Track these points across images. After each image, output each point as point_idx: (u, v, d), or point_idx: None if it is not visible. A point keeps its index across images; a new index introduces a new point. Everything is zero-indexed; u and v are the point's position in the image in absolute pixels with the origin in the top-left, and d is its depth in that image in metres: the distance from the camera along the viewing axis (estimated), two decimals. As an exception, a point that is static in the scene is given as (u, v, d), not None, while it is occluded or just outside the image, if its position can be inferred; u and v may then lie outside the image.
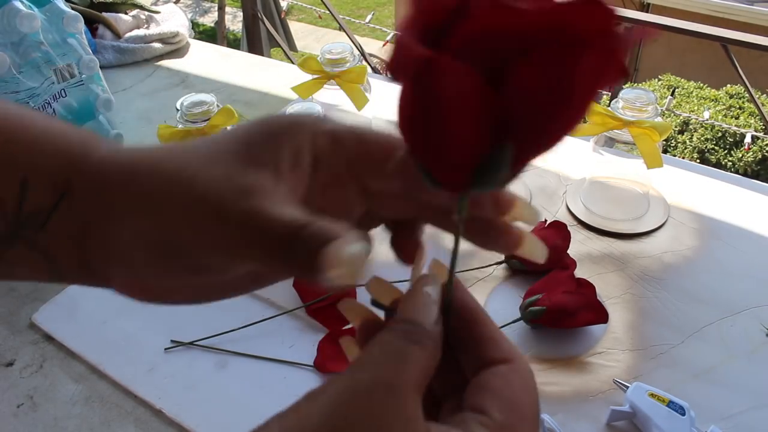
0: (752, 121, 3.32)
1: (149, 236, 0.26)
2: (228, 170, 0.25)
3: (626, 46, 0.19)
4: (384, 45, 4.10)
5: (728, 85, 3.61)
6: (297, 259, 0.23)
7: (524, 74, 0.19)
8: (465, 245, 0.27)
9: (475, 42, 0.18)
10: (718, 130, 3.29)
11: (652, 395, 0.53)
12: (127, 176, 0.26)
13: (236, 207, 0.24)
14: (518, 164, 0.21)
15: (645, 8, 5.04)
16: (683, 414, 0.51)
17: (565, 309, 0.60)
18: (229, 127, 0.71)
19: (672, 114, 3.12)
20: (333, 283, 0.22)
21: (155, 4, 1.34)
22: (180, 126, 0.72)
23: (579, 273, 0.65)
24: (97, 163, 0.27)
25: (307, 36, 8.20)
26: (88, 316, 0.67)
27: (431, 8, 0.19)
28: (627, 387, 0.54)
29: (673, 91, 3.60)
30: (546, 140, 0.21)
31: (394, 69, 0.20)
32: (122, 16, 1.20)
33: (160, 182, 0.26)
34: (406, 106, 0.21)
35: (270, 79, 1.12)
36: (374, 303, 0.29)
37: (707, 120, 2.91)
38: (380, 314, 0.29)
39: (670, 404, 0.52)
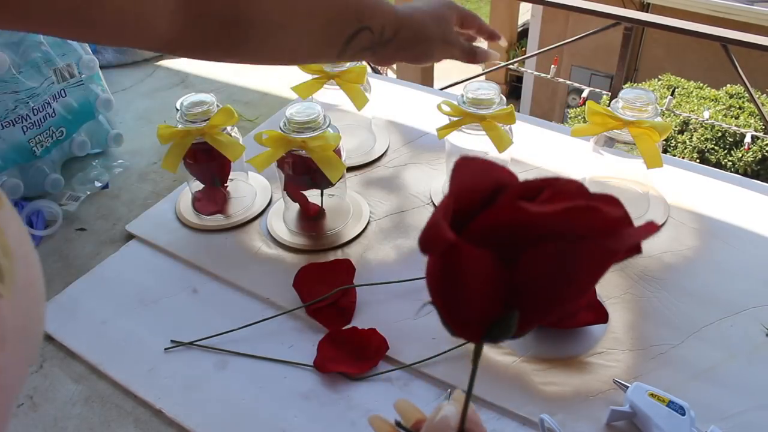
0: (752, 121, 3.32)
1: (425, 40, 0.62)
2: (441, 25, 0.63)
3: (625, 242, 0.22)
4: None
5: (728, 85, 3.61)
6: (475, 57, 0.67)
7: (532, 262, 0.22)
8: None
9: (493, 230, 0.22)
10: (718, 130, 3.29)
11: (652, 395, 0.53)
12: (406, 22, 0.59)
13: (449, 38, 0.63)
14: (524, 326, 0.25)
15: (645, 8, 5.04)
16: (683, 414, 0.51)
17: (565, 309, 0.60)
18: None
19: (672, 114, 3.12)
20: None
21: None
22: (180, 126, 0.72)
23: (579, 273, 0.65)
24: (398, 10, 0.58)
25: (307, 36, 8.18)
26: (88, 316, 0.67)
27: (468, 196, 0.23)
28: (627, 387, 0.54)
29: (673, 91, 3.60)
30: (549, 311, 0.24)
31: (426, 244, 0.23)
32: (122, 16, 1.20)
33: (417, 27, 0.60)
34: (433, 274, 0.25)
35: (270, 79, 1.12)
36: (398, 425, 0.35)
37: (707, 120, 2.91)
38: None
39: (670, 404, 0.52)
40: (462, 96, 0.73)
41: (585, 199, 0.21)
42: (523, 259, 0.22)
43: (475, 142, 0.73)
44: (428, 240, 0.22)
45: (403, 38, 0.59)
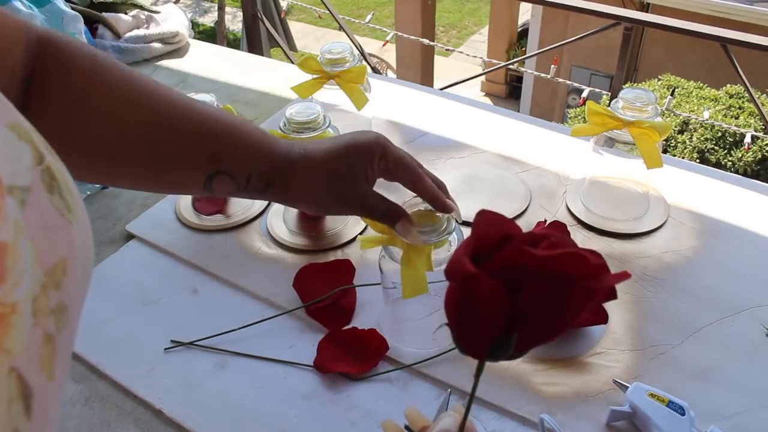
0: (752, 121, 3.32)
1: (309, 198, 0.53)
2: (347, 170, 0.52)
3: (603, 284, 0.28)
4: (384, 45, 4.09)
5: (728, 85, 3.61)
6: (388, 222, 0.54)
7: (530, 294, 0.28)
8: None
9: (503, 268, 0.29)
10: (718, 130, 3.29)
11: (652, 395, 0.53)
12: (296, 166, 0.51)
13: (356, 191, 0.53)
14: (520, 348, 0.31)
15: (645, 8, 5.04)
16: (683, 414, 0.51)
17: (565, 309, 0.60)
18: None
19: (672, 114, 3.12)
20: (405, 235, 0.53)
21: (155, 4, 1.34)
22: (180, 126, 0.72)
23: (579, 273, 0.65)
24: (281, 161, 0.51)
25: (307, 36, 8.19)
26: (88, 316, 0.67)
27: (484, 241, 0.30)
28: (627, 387, 0.54)
29: (673, 91, 3.60)
30: (543, 336, 0.30)
31: (451, 273, 0.30)
32: (122, 16, 1.20)
33: (313, 170, 0.51)
34: (452, 298, 0.32)
35: (270, 79, 1.12)
36: (407, 428, 0.41)
37: (707, 120, 2.91)
38: None
39: (670, 404, 0.52)
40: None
41: (574, 249, 0.28)
42: (524, 292, 0.28)
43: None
44: (453, 270, 0.30)
45: (281, 190, 0.52)
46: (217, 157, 0.48)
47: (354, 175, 0.52)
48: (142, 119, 0.46)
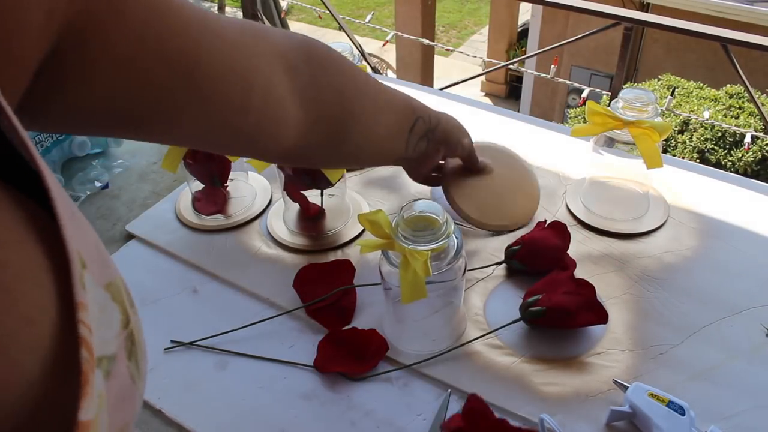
0: (752, 121, 3.32)
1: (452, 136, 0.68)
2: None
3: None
4: (384, 45, 4.09)
5: (728, 85, 3.61)
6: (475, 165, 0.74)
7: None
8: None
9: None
10: (718, 130, 3.28)
11: (652, 395, 0.53)
12: (439, 114, 0.66)
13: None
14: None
15: (645, 8, 5.04)
16: (683, 414, 0.51)
17: (564, 309, 0.60)
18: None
19: (672, 114, 3.12)
20: None
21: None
22: (180, 126, 0.72)
23: (579, 273, 0.65)
24: (432, 110, 0.66)
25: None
26: (88, 316, 0.67)
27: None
28: (627, 387, 0.54)
29: (673, 91, 3.60)
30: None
31: None
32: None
33: (446, 119, 0.68)
34: None
35: (270, 79, 1.12)
36: None
37: (707, 120, 2.91)
38: None
39: (670, 404, 0.52)
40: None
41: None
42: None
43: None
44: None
45: (443, 128, 0.65)
46: (412, 108, 0.63)
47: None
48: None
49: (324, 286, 0.67)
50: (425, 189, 0.82)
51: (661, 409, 0.52)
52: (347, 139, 0.56)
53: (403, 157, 0.64)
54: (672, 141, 3.38)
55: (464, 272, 0.58)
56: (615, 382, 0.56)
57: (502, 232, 0.74)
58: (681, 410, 0.51)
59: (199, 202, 0.80)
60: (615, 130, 0.70)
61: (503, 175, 0.74)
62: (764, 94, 3.50)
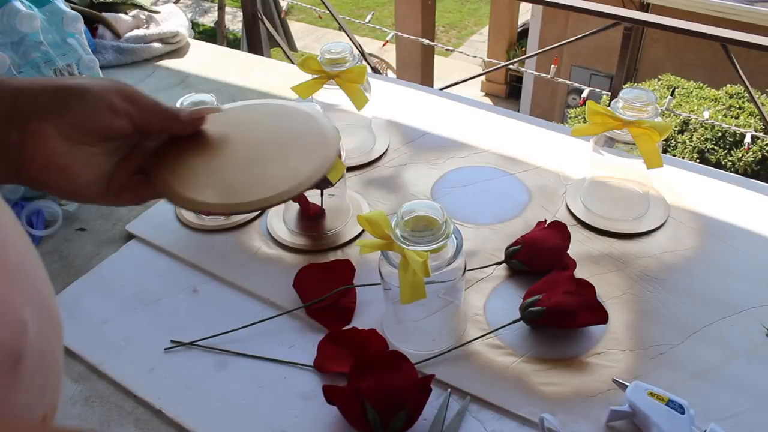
0: (752, 121, 3.31)
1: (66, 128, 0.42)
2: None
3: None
4: (384, 45, 4.09)
5: (728, 85, 3.61)
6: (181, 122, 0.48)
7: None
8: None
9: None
10: (718, 130, 3.28)
11: (652, 394, 0.53)
12: (36, 91, 0.42)
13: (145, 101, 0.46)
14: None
15: (645, 8, 5.04)
16: (683, 413, 0.51)
17: (565, 309, 0.60)
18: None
19: (672, 114, 3.12)
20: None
21: (155, 4, 1.34)
22: (180, 126, 0.72)
23: (579, 273, 0.65)
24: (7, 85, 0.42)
25: (307, 36, 8.19)
26: (88, 316, 0.68)
27: None
28: (626, 386, 0.54)
29: (673, 91, 3.60)
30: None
31: None
32: (122, 16, 1.20)
33: (64, 93, 0.42)
34: None
35: (270, 79, 1.12)
36: None
37: (707, 120, 2.91)
38: None
39: (670, 403, 0.52)
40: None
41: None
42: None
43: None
44: None
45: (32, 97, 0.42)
46: None
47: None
48: None
49: (324, 286, 0.67)
50: (425, 189, 0.82)
51: (661, 408, 0.52)
52: None
53: None
54: (672, 141, 3.38)
55: (464, 272, 0.58)
56: (614, 381, 0.56)
57: (270, 207, 0.59)
58: (681, 409, 0.51)
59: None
60: (615, 130, 0.70)
61: (259, 139, 0.52)
62: (764, 94, 3.49)
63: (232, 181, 0.48)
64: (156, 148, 0.49)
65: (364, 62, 1.85)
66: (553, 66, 2.95)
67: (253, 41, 2.33)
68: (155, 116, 0.46)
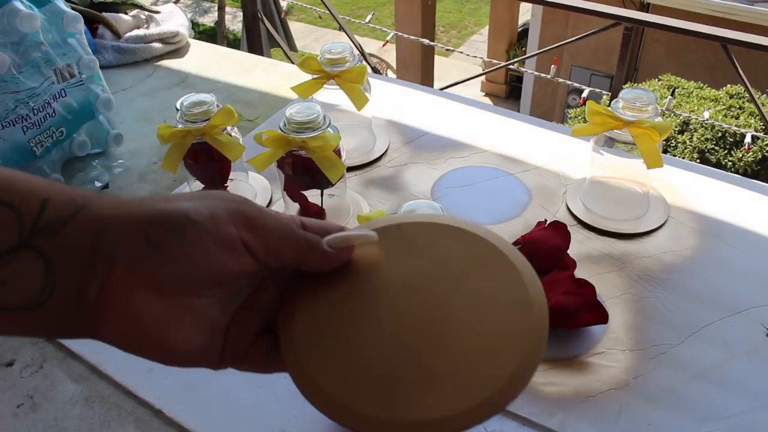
0: (752, 121, 3.31)
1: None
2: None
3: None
4: (384, 45, 4.09)
5: (728, 85, 3.61)
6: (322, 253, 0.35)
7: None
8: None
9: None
10: (718, 130, 3.28)
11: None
12: (124, 225, 0.31)
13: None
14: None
15: (645, 8, 5.04)
16: None
17: (565, 309, 0.60)
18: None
19: (672, 114, 3.12)
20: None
21: (155, 4, 1.34)
22: (180, 126, 0.72)
23: (579, 273, 0.65)
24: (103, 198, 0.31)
25: (307, 36, 8.19)
26: (88, 316, 0.67)
27: None
28: None
29: (673, 91, 3.60)
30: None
31: None
32: (122, 16, 1.20)
33: (159, 231, 0.31)
34: None
35: (270, 79, 1.12)
36: None
37: (707, 120, 2.91)
38: None
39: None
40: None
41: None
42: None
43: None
44: None
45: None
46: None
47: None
48: None
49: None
50: (425, 189, 0.82)
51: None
52: None
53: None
54: (672, 141, 3.38)
55: (464, 272, 0.58)
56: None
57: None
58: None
59: (199, 202, 0.79)
60: (615, 130, 0.70)
61: (442, 290, 0.34)
62: (764, 94, 3.49)
63: (403, 374, 0.31)
64: (283, 293, 0.36)
65: (364, 62, 1.85)
66: (553, 66, 2.95)
67: (253, 41, 2.33)
68: (286, 246, 0.33)
